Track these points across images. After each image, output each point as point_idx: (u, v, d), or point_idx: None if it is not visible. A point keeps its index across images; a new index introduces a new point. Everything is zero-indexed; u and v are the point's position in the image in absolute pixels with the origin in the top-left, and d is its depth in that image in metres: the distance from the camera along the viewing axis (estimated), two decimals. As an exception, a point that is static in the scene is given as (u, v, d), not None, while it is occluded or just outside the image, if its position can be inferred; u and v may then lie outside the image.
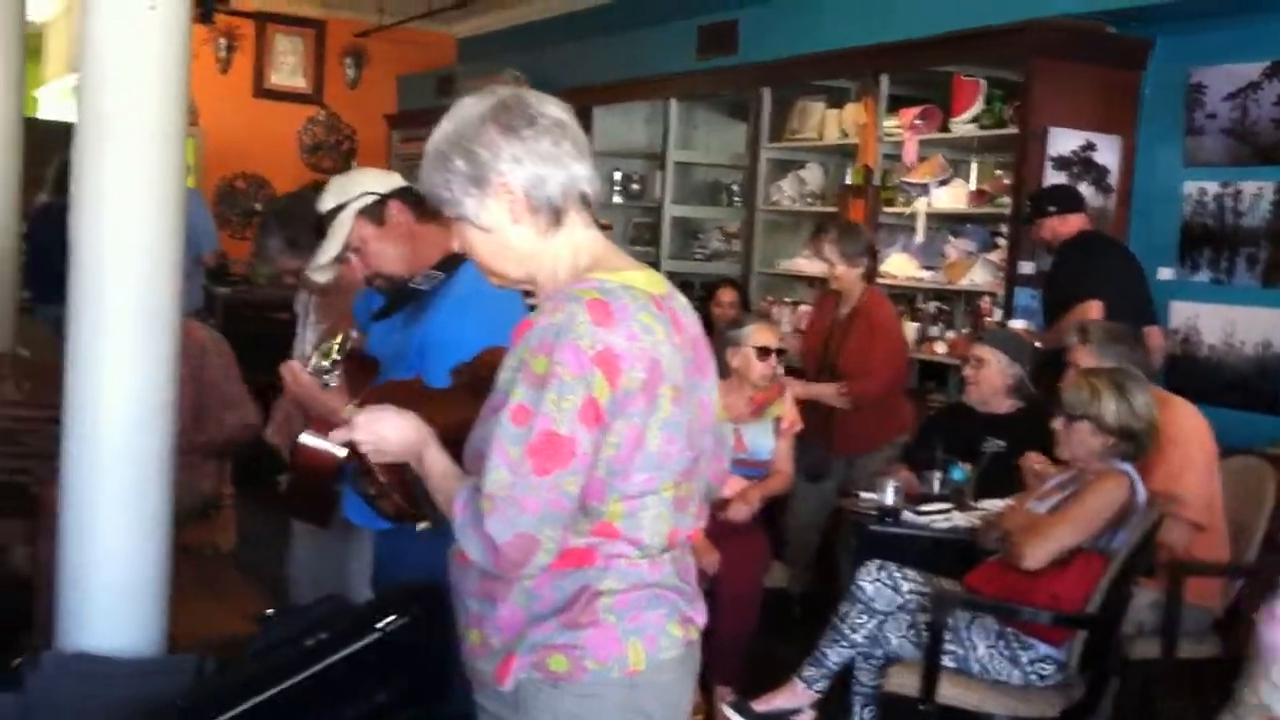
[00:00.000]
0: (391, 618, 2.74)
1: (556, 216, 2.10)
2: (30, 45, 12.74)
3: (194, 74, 10.49)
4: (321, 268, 3.20)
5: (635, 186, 9.35)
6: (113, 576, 2.80)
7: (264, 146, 12.33)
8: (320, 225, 3.14)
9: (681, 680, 2.19)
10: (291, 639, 2.57)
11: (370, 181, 3.14)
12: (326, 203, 3.10)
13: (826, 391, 5.53)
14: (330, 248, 3.09)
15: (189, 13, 2.77)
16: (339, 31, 12.45)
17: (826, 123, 7.54)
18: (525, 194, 2.08)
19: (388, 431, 2.17)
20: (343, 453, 3.33)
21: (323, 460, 3.29)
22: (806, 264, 7.52)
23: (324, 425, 3.25)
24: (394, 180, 3.17)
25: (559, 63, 10.03)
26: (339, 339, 2.90)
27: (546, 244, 2.12)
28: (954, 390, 6.46)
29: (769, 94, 7.83)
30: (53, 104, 12.94)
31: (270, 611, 2.81)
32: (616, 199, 9.31)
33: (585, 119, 9.32)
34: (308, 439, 3.27)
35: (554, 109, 2.14)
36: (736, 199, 8.72)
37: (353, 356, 2.94)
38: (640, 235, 9.41)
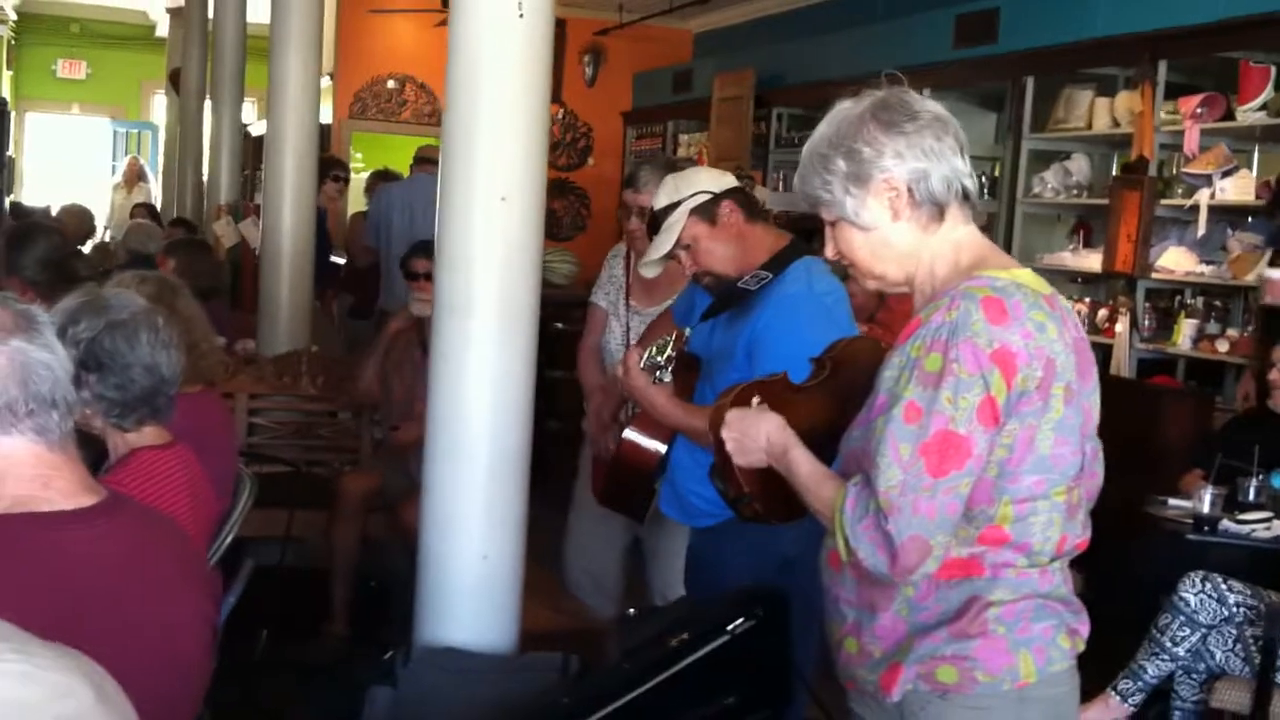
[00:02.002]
0: (740, 620, 2.74)
1: (939, 212, 2.08)
2: (265, 49, 13.34)
3: (439, 74, 10.79)
4: (652, 264, 3.23)
5: (882, 180, 9.19)
6: (472, 575, 2.86)
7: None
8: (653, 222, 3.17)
9: (1070, 695, 2.14)
10: (655, 639, 2.59)
11: (704, 180, 3.15)
12: (659, 200, 3.13)
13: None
14: (662, 245, 3.11)
15: (552, 17, 2.82)
16: (578, 30, 12.58)
17: (1096, 111, 7.28)
18: (908, 189, 2.05)
19: (754, 431, 2.15)
20: (664, 449, 3.37)
21: (645, 456, 3.33)
22: (1072, 258, 7.28)
23: (648, 422, 3.29)
24: (727, 180, 3.17)
25: (801, 57, 9.94)
26: (673, 336, 2.91)
27: (926, 241, 2.09)
28: (1229, 393, 6.16)
29: (1032, 83, 7.60)
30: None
31: (632, 611, 2.83)
32: (863, 192, 9.17)
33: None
34: (632, 434, 3.31)
35: (933, 105, 2.12)
36: (987, 191, 8.49)
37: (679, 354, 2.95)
38: (887, 229, 9.23)
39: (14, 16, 15.94)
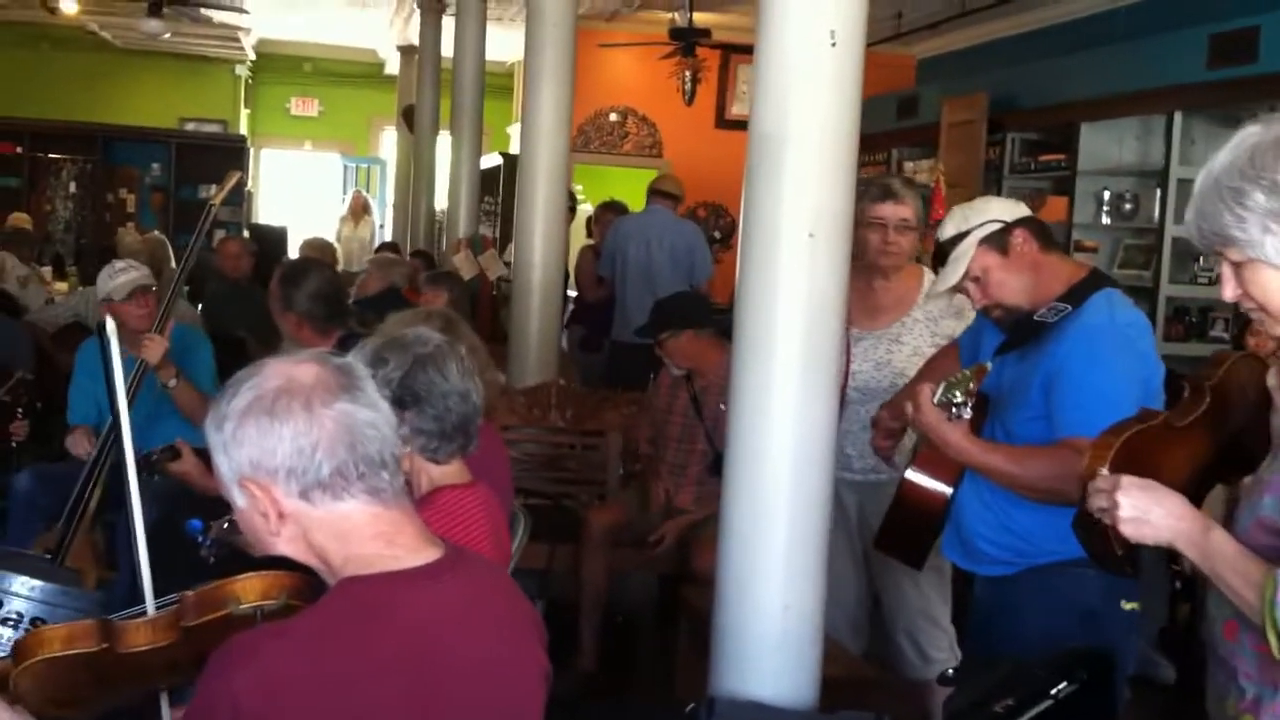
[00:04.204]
0: (1063, 684, 2.61)
1: None
2: (499, 84, 13.64)
3: (661, 105, 10.87)
4: (938, 295, 3.11)
5: (1127, 206, 8.85)
6: (773, 626, 2.77)
7: (724, 176, 12.48)
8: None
9: None
10: (980, 702, 2.47)
11: (995, 209, 3.02)
12: (946, 230, 3.01)
13: None
14: (950, 275, 2.98)
15: (863, 46, 2.74)
16: (801, 59, 12.49)
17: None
18: None
19: (1158, 510, 1.96)
20: (949, 491, 3.23)
21: (930, 499, 3.19)
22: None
23: (932, 462, 3.16)
24: (1019, 209, 3.03)
25: (1036, 79, 9.65)
26: (973, 371, 2.77)
27: None
28: None
29: (1299, 104, 7.21)
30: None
31: (950, 671, 2.72)
32: (1105, 219, 8.84)
33: (1069, 136, 8.94)
34: (915, 475, 3.17)
35: None
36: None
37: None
38: (1132, 258, 8.88)
39: (253, 57, 16.68)
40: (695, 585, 4.38)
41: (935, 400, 2.77)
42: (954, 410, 2.73)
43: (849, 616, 4.10)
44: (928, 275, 4.01)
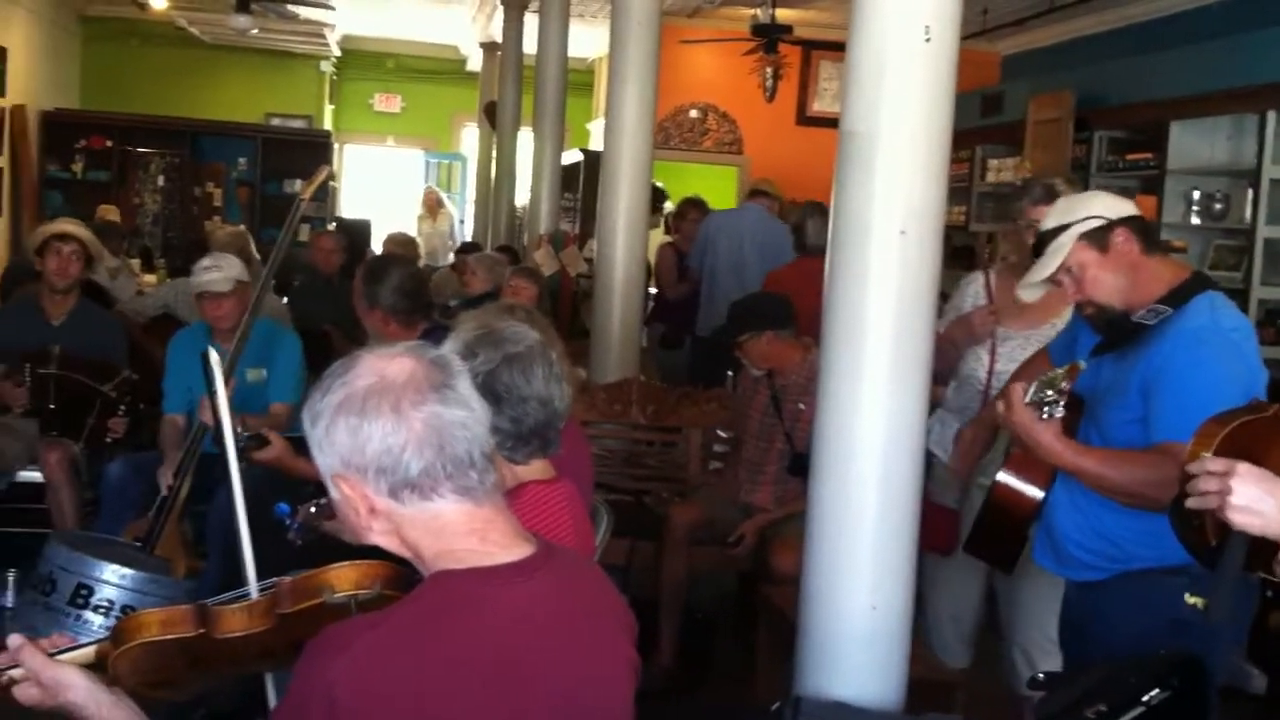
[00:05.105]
0: (1155, 691, 2.57)
1: None
2: (580, 81, 13.67)
3: (742, 102, 10.85)
4: (1033, 286, 3.06)
5: (1218, 206, 8.68)
6: (860, 626, 2.75)
7: (804, 173, 12.42)
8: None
9: None
10: (1071, 707, 2.44)
11: (1098, 205, 2.97)
12: (1049, 221, 2.96)
13: None
14: (1045, 267, 2.94)
15: (958, 42, 2.70)
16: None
17: None
18: None
19: (1271, 501, 1.92)
20: (1041, 495, 3.19)
21: (1021, 502, 3.15)
22: None
23: (1024, 463, 3.11)
24: (1124, 207, 2.98)
25: (1124, 76, 9.50)
26: (1065, 369, 2.72)
27: None
28: None
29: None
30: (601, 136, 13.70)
31: (1041, 675, 2.69)
32: (1195, 220, 8.69)
33: (1158, 134, 8.78)
34: (1006, 477, 3.13)
35: None
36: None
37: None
38: (1223, 259, 8.71)
39: (338, 53, 16.87)
40: (775, 584, 4.36)
41: (1027, 399, 2.73)
42: (1045, 410, 2.69)
43: (962, 631, 4.07)
44: None
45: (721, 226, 7.91)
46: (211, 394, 2.53)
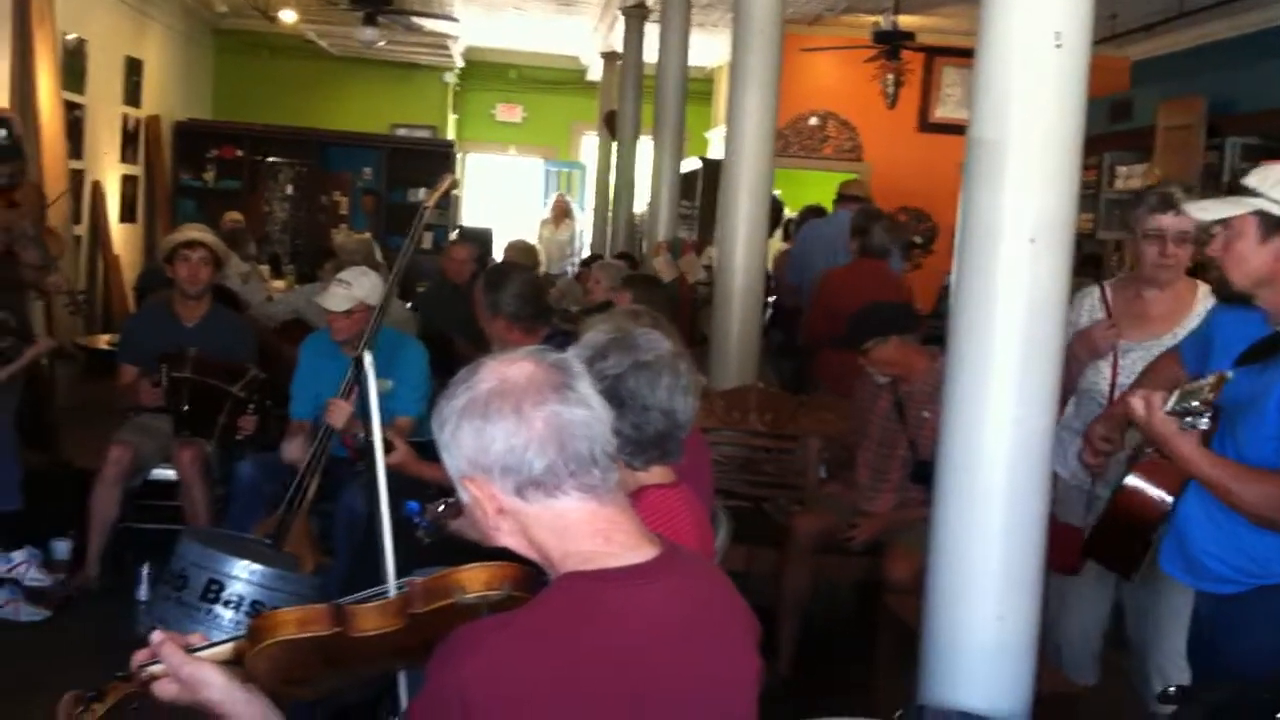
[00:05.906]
0: (1292, 707, 2.49)
1: None
2: (698, 89, 13.69)
3: (862, 108, 10.75)
4: (1194, 214, 2.93)
5: (1356, 215, 8.40)
6: (986, 637, 2.72)
7: (926, 180, 12.34)
8: None
9: None
10: (1203, 724, 2.39)
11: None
12: (1250, 180, 2.77)
13: None
14: (1212, 211, 2.80)
15: (1089, 49, 2.67)
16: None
17: None
18: None
19: None
20: (1170, 500, 3.11)
21: (1148, 507, 3.06)
22: None
23: (1157, 470, 3.02)
24: None
25: (1258, 82, 9.27)
26: (1212, 380, 2.64)
27: None
28: None
29: None
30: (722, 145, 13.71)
31: (1172, 689, 2.63)
32: (1333, 229, 8.41)
33: (1297, 142, 8.55)
34: (1136, 482, 3.04)
35: None
36: None
37: None
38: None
39: (461, 64, 17.12)
40: (897, 593, 4.33)
41: (1169, 408, 2.65)
42: (1188, 420, 2.62)
43: (1092, 648, 4.00)
44: (1202, 287, 3.85)
45: (817, 235, 7.86)
46: (364, 395, 2.58)
